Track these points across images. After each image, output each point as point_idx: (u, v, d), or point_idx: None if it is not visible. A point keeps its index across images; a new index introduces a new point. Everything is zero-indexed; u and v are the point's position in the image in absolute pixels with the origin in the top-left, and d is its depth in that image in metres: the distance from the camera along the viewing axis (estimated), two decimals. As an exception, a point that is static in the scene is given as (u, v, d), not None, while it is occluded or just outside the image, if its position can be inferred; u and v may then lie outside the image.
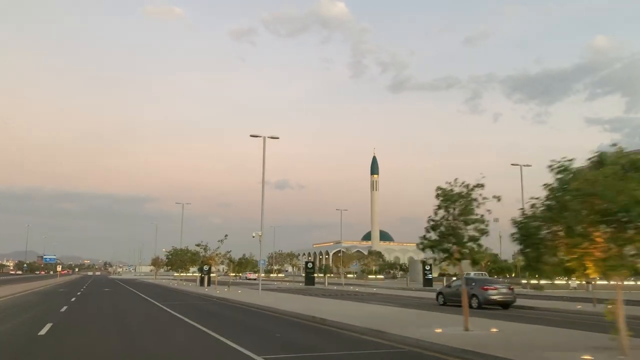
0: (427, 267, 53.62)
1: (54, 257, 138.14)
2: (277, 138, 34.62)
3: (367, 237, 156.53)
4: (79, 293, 37.10)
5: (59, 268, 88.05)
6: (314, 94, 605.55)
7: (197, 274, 60.31)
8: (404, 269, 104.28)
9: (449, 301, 25.49)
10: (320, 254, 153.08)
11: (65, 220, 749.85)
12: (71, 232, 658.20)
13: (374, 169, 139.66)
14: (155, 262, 79.07)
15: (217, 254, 40.18)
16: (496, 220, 15.15)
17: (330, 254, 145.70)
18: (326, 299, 30.19)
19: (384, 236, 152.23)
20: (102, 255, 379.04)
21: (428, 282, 52.98)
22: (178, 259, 55.16)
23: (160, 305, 24.68)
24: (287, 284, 59.31)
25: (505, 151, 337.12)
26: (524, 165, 47.09)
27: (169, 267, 59.89)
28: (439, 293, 27.65)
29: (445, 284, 35.46)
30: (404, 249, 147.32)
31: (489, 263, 53.88)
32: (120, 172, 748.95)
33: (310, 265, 52.33)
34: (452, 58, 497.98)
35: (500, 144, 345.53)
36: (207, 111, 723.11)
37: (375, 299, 32.15)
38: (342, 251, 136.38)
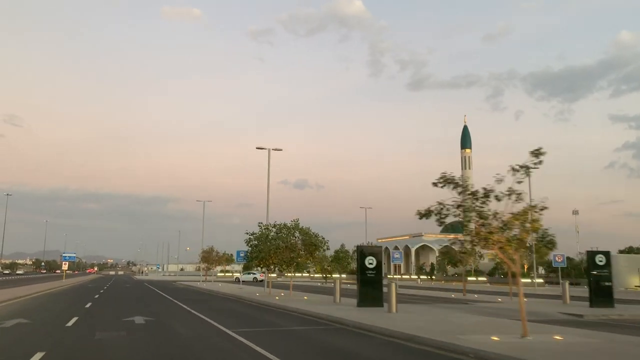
0: None
1: (74, 255, 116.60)
2: (280, 150, 35.56)
3: (447, 229, 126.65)
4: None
5: (64, 266, 60.76)
6: (332, 92, 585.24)
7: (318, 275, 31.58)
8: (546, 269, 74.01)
9: None
10: (396, 249, 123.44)
11: (89, 220, 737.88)
12: (95, 232, 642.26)
13: (466, 141, 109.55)
14: (208, 258, 50.95)
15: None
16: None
17: (412, 250, 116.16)
18: None
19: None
20: (126, 255, 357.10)
21: None
22: (281, 243, 26.55)
23: None
24: (499, 299, 30.22)
25: (527, 149, 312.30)
26: None
27: (256, 263, 30.53)
28: None
29: None
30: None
31: None
32: (143, 172, 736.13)
33: (601, 260, 22.85)
34: (472, 55, 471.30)
35: (521, 142, 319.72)
36: (227, 112, 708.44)
37: None
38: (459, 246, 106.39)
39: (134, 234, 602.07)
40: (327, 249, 28.69)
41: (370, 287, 20.55)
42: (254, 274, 70.44)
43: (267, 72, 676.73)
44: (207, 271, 56.78)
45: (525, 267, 66.27)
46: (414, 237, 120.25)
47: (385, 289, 19.82)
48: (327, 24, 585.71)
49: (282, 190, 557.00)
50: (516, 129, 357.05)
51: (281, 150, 36.82)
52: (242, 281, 64.45)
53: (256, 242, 29.17)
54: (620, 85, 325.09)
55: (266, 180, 36.50)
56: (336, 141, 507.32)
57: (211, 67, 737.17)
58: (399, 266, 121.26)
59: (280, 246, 26.87)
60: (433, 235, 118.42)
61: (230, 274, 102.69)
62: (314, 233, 27.56)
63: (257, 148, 36.28)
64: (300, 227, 27.68)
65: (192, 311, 19.50)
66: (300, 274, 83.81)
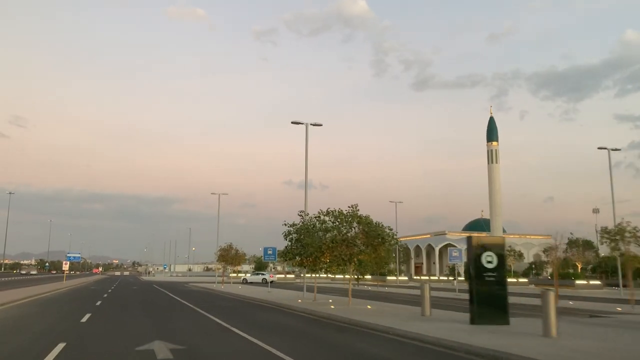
0: None
1: (79, 255, 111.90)
2: (320, 125, 30.73)
3: (469, 227, 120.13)
4: None
5: (65, 267, 54.88)
6: (336, 93, 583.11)
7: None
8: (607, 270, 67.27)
9: None
10: (417, 248, 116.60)
11: (94, 220, 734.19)
12: (99, 232, 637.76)
13: (492, 134, 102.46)
14: (225, 256, 44.92)
15: None
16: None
17: (437, 249, 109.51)
18: None
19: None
20: (131, 255, 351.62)
21: None
22: (337, 235, 20.29)
23: None
24: (618, 309, 23.83)
25: (532, 149, 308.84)
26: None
27: (298, 261, 23.97)
28: None
29: None
30: (528, 242, 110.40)
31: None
32: (146, 173, 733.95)
33: None
34: (476, 55, 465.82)
35: (526, 142, 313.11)
36: (230, 112, 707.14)
37: None
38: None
39: (139, 234, 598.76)
40: (396, 243, 22.39)
41: (490, 296, 14.28)
42: (263, 274, 65.39)
43: (270, 72, 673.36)
44: (224, 272, 50.68)
45: (579, 266, 59.76)
46: (436, 235, 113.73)
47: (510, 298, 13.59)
48: (331, 24, 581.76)
49: (287, 190, 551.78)
50: (521, 128, 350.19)
51: (321, 125, 30.67)
52: (250, 282, 58.92)
53: (296, 236, 22.99)
54: (626, 84, 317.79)
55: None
56: (340, 141, 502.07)
57: (214, 66, 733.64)
58: (420, 266, 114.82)
59: (336, 239, 20.64)
60: (457, 234, 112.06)
61: (243, 275, 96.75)
62: (378, 223, 21.34)
63: (292, 123, 30.14)
64: (359, 215, 21.45)
65: (236, 330, 13.23)
66: (317, 274, 77.06)
